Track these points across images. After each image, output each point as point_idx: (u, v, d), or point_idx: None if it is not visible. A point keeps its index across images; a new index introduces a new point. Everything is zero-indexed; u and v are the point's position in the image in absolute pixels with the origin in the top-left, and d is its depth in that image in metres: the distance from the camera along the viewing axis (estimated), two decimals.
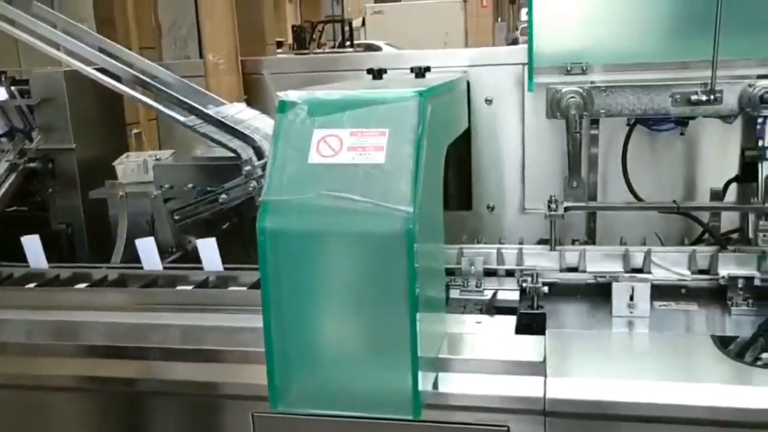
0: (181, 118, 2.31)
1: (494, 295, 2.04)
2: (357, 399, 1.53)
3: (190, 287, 2.15)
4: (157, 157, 2.61)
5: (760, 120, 2.10)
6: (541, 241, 2.26)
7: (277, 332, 1.51)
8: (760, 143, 2.08)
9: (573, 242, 2.28)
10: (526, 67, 2.28)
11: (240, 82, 2.81)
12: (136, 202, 2.43)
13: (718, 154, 2.41)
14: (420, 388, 1.49)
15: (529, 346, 1.75)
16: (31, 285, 2.23)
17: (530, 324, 1.94)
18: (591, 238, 2.38)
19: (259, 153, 2.26)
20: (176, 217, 2.31)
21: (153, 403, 1.89)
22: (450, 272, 2.11)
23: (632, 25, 2.17)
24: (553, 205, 2.11)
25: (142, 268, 2.24)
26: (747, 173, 2.22)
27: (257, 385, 1.60)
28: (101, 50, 2.50)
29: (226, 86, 2.76)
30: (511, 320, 1.92)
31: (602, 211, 2.38)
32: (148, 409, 1.90)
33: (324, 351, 1.53)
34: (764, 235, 2.06)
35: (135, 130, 3.17)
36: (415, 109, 1.51)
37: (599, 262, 2.10)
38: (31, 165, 2.62)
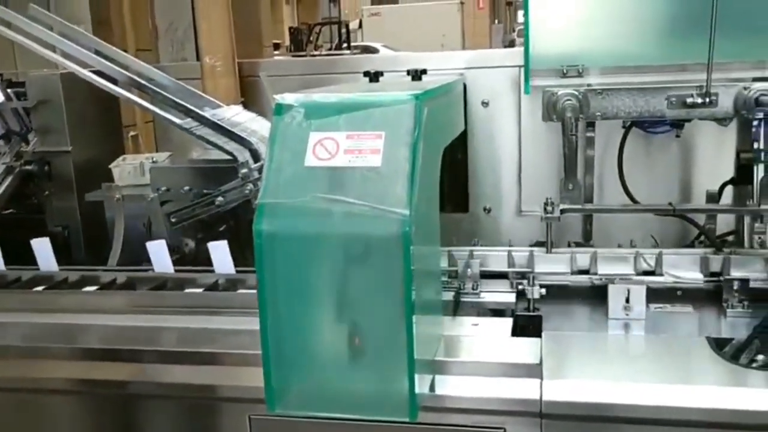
0: (178, 121, 2.31)
1: (491, 297, 2.04)
2: (353, 401, 1.54)
3: (198, 290, 2.16)
4: (154, 159, 2.61)
5: (755, 123, 2.10)
6: (538, 244, 2.27)
7: (274, 335, 1.51)
8: (756, 146, 2.09)
9: (569, 244, 2.29)
10: (522, 70, 2.28)
11: (237, 84, 2.81)
12: (132, 205, 2.43)
13: (714, 156, 2.42)
14: (417, 390, 1.50)
15: (526, 349, 1.75)
16: (40, 288, 2.23)
17: (526, 326, 1.94)
18: (587, 241, 2.39)
19: (256, 156, 2.26)
20: (173, 220, 2.31)
21: (150, 406, 1.89)
22: (446, 275, 2.11)
23: (628, 28, 2.18)
24: (549, 208, 2.11)
25: (146, 270, 2.25)
26: (742, 176, 2.22)
27: (254, 388, 1.61)
28: (97, 52, 2.50)
29: (222, 89, 2.76)
30: (508, 322, 1.92)
31: (598, 214, 2.38)
32: (146, 411, 1.90)
33: (320, 353, 1.53)
34: (759, 238, 2.07)
35: (132, 133, 3.17)
36: (411, 112, 1.52)
37: (595, 264, 2.11)
38: (28, 168, 2.61)
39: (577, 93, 2.13)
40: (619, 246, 2.17)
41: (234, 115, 2.47)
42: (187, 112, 2.30)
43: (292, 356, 1.52)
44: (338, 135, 1.52)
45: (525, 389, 1.64)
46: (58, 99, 2.59)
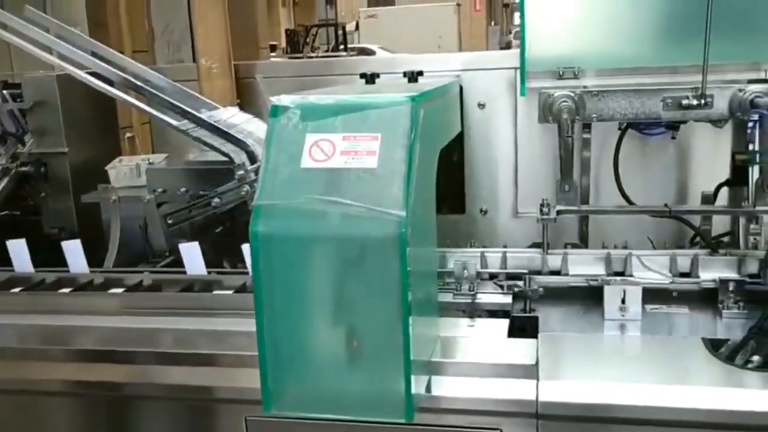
0: (174, 122, 2.31)
1: (487, 298, 2.05)
2: (350, 402, 1.54)
3: (180, 291, 2.15)
4: (150, 161, 2.61)
5: (750, 124, 2.11)
6: (534, 245, 2.27)
7: (270, 336, 1.51)
8: (751, 147, 2.10)
9: (565, 246, 2.29)
10: (518, 72, 2.29)
11: (233, 86, 2.81)
12: (128, 206, 2.43)
13: (709, 158, 2.42)
14: (413, 391, 1.50)
15: (522, 349, 1.75)
16: (17, 289, 2.23)
17: (523, 327, 1.95)
18: (583, 242, 2.39)
19: (252, 157, 2.26)
20: (169, 222, 2.31)
21: (147, 408, 1.89)
22: (443, 276, 2.12)
23: (624, 30, 2.19)
24: (545, 209, 2.12)
25: (141, 272, 2.25)
26: (737, 177, 2.23)
27: (250, 389, 1.61)
28: (94, 54, 2.50)
29: (219, 90, 2.76)
30: (504, 323, 1.93)
31: (594, 215, 2.39)
32: (142, 413, 1.90)
33: (317, 354, 1.53)
34: (755, 239, 2.08)
35: (128, 135, 3.17)
36: (407, 114, 1.52)
37: (591, 265, 2.11)
38: (24, 169, 2.61)
39: (573, 95, 2.13)
40: (615, 247, 2.18)
41: (230, 116, 2.47)
42: (184, 114, 2.31)
43: (289, 357, 1.52)
44: (334, 136, 1.52)
45: (521, 390, 1.65)
46: (54, 100, 2.59)
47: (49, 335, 2.00)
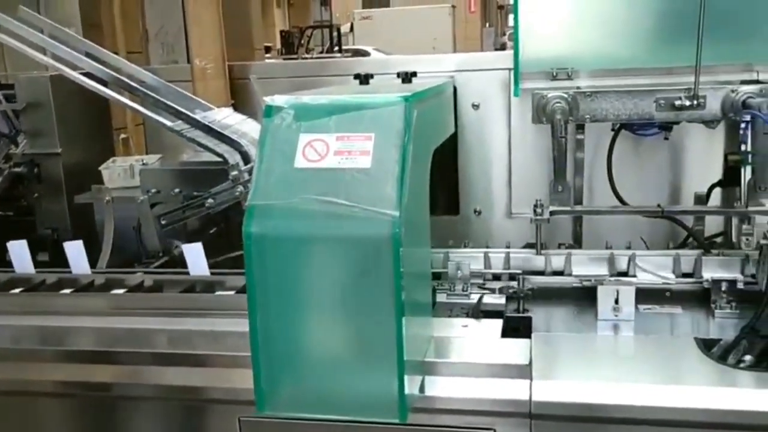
0: (168, 123, 2.31)
1: (480, 298, 2.05)
2: (343, 402, 1.54)
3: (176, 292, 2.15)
4: (144, 161, 2.60)
5: (742, 125, 2.12)
6: (528, 245, 2.27)
7: (264, 336, 1.51)
8: (743, 148, 2.10)
9: (559, 246, 2.30)
10: (512, 73, 2.29)
11: (227, 86, 2.81)
12: (122, 207, 2.42)
13: (702, 158, 2.43)
14: (406, 391, 1.50)
15: (515, 350, 1.76)
16: (17, 290, 2.22)
17: (516, 327, 1.95)
18: (577, 242, 2.40)
19: (246, 157, 2.26)
20: (163, 222, 2.31)
21: (140, 408, 1.88)
22: (437, 276, 2.12)
23: (617, 32, 2.19)
24: (538, 210, 2.12)
25: (135, 272, 2.24)
26: (730, 177, 2.24)
27: (244, 390, 1.61)
28: (88, 55, 2.49)
29: (213, 91, 2.76)
30: (498, 324, 1.93)
31: (588, 215, 2.39)
32: (135, 414, 1.89)
33: (310, 355, 1.53)
34: (747, 239, 2.08)
35: (122, 135, 3.16)
36: (401, 114, 1.52)
37: (585, 265, 2.12)
38: (17, 170, 2.61)
39: (566, 95, 2.14)
40: (609, 247, 2.18)
41: (224, 117, 2.47)
42: (178, 115, 2.30)
43: (282, 358, 1.52)
44: (328, 137, 1.52)
45: (515, 390, 1.65)
46: (47, 101, 2.59)
47: (44, 336, 2.00)
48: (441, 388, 1.68)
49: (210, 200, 2.25)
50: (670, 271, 2.07)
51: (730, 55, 2.13)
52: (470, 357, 1.74)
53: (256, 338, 1.51)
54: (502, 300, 2.06)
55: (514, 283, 2.10)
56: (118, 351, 1.88)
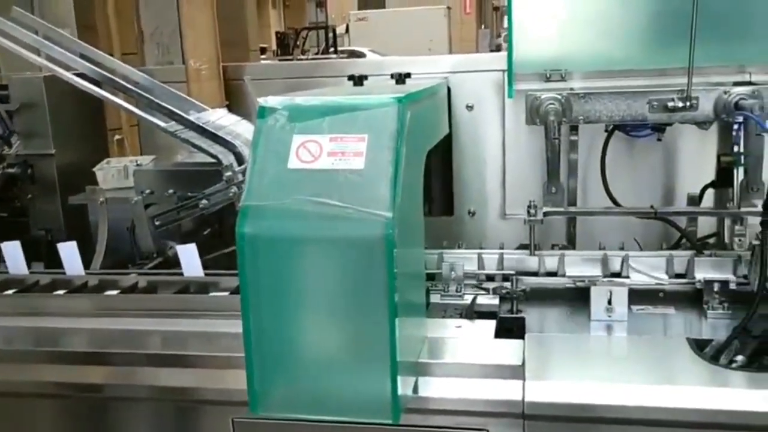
0: (162, 124, 2.31)
1: (474, 299, 2.05)
2: (337, 403, 1.54)
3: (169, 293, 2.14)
4: (138, 162, 2.60)
5: (735, 126, 2.12)
6: (522, 246, 2.28)
7: (257, 337, 1.51)
8: (736, 149, 2.11)
9: (553, 247, 2.30)
10: (506, 74, 2.30)
11: (221, 87, 2.81)
12: (116, 208, 2.42)
13: (695, 159, 2.44)
14: (400, 392, 1.50)
15: (509, 350, 1.76)
16: (10, 291, 2.21)
17: (510, 328, 1.95)
18: (571, 243, 2.40)
19: (240, 158, 2.26)
20: (157, 223, 2.30)
21: (133, 409, 1.88)
22: (431, 277, 2.12)
23: (610, 33, 2.20)
24: (532, 211, 2.13)
25: (128, 273, 2.24)
26: (723, 178, 2.25)
27: (237, 390, 1.60)
28: (82, 56, 2.49)
29: (207, 92, 2.76)
30: (491, 324, 1.93)
31: (581, 217, 2.40)
32: (128, 415, 1.89)
33: (303, 355, 1.53)
34: (740, 240, 2.09)
35: (117, 136, 3.16)
36: (394, 115, 1.52)
37: (578, 266, 2.12)
38: (11, 170, 2.60)
39: (560, 97, 2.15)
40: (602, 248, 2.19)
41: (219, 118, 2.47)
42: (172, 115, 2.30)
43: (275, 358, 1.52)
44: (321, 138, 1.53)
45: (508, 390, 1.65)
46: (41, 102, 2.58)
47: (38, 337, 1.99)
48: (434, 388, 1.68)
49: (204, 201, 2.25)
50: (663, 272, 2.08)
51: (722, 56, 2.14)
52: (463, 358, 1.74)
53: (250, 339, 1.51)
54: (496, 301, 2.07)
55: (507, 284, 2.10)
56: (112, 352, 1.87)
